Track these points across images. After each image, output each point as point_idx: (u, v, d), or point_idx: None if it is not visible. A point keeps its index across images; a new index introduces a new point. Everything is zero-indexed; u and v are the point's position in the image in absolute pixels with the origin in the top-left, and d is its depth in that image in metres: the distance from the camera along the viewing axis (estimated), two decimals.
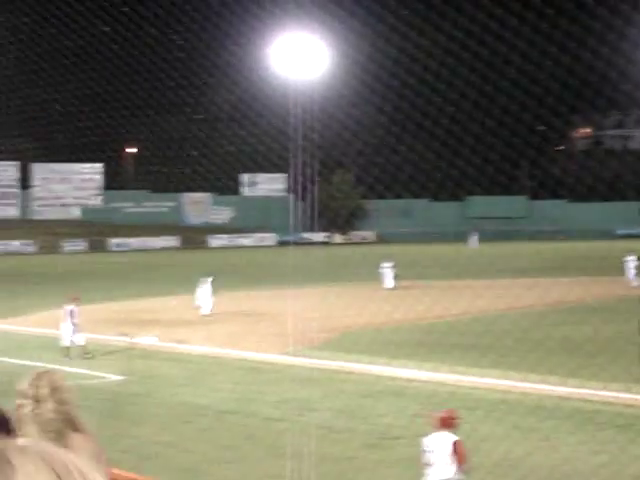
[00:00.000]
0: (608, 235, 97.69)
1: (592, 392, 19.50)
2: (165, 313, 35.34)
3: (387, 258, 46.98)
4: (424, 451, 11.77)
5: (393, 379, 19.84)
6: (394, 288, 44.24)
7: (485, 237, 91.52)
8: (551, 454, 15.42)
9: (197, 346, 27.62)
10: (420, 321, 29.72)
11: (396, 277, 45.94)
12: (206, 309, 34.88)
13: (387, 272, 46.57)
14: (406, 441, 17.01)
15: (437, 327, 28.98)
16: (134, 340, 27.56)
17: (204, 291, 35.71)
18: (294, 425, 17.21)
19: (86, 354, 25.66)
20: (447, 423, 11.80)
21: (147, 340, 28.22)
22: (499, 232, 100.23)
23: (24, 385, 3.69)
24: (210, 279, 36.04)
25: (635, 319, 30.31)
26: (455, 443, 11.50)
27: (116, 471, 6.28)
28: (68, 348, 25.82)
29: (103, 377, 23.03)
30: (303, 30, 42.70)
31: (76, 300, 26.72)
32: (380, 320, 26.96)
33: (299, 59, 63.25)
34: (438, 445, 11.63)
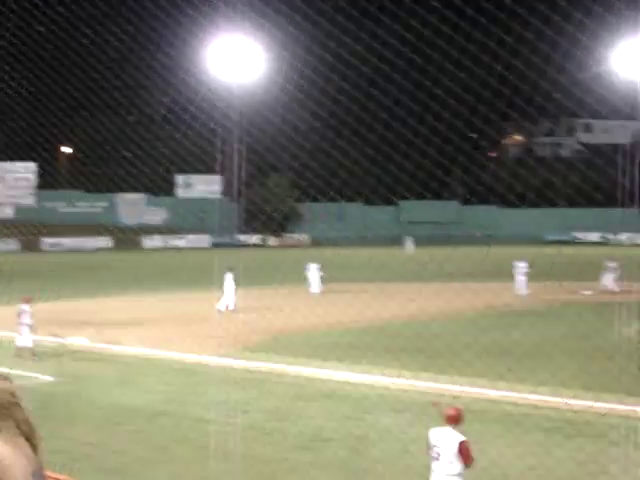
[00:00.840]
0: (538, 241, 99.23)
1: (520, 396, 19.83)
2: (97, 314, 35.10)
3: (314, 260, 46.88)
4: (430, 445, 11.90)
5: (324, 382, 19.98)
6: (320, 292, 44.25)
7: (419, 242, 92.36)
8: (479, 457, 15.59)
9: (129, 347, 27.51)
10: (351, 324, 29.89)
11: (322, 280, 45.91)
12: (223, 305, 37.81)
13: (313, 275, 46.51)
14: (337, 443, 17.17)
15: (368, 330, 29.17)
16: (65, 341, 27.37)
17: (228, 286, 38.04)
18: (226, 427, 17.25)
19: (33, 356, 25.40)
20: (454, 419, 11.91)
21: (78, 341, 28.04)
22: (432, 237, 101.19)
23: None
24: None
25: (561, 324, 30.99)
26: (461, 444, 11.65)
27: (47, 472, 6.31)
28: (21, 348, 25.63)
29: (34, 378, 22.82)
30: (239, 33, 42.75)
31: (28, 300, 26.48)
32: (312, 323, 27.12)
33: (235, 62, 63.23)
34: (443, 441, 11.79)
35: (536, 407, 19.49)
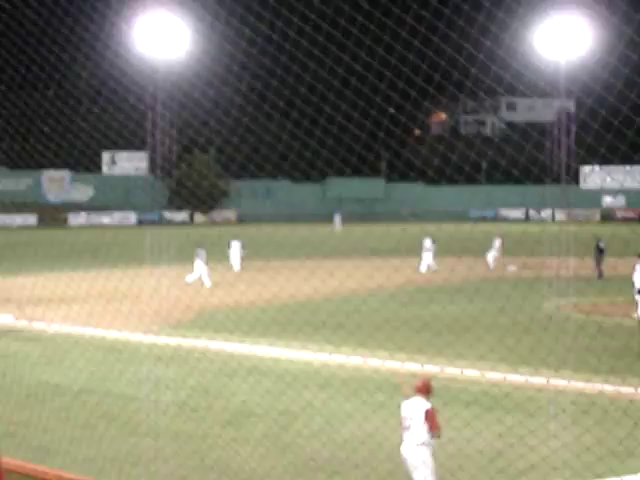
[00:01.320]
0: (462, 217, 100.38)
1: (440, 368, 20.18)
2: (22, 291, 34.70)
3: (236, 238, 47.17)
4: (402, 416, 12.43)
5: (248, 357, 20.12)
6: (242, 269, 44.51)
7: (345, 219, 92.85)
8: (400, 429, 15.94)
9: (55, 325, 27.32)
10: (274, 301, 29.96)
11: (245, 257, 46.02)
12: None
13: (235, 253, 46.62)
14: (261, 418, 17.37)
15: (291, 306, 29.26)
16: None
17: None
18: (150, 403, 17.31)
19: None
20: (422, 390, 12.45)
21: (3, 318, 27.77)
22: (358, 214, 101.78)
23: None
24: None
25: (480, 298, 31.55)
26: (427, 411, 12.16)
27: None
28: None
29: None
30: (163, 8, 42.33)
31: None
32: (235, 299, 27.23)
33: (160, 38, 62.62)
34: (413, 411, 12.30)
35: (455, 380, 19.90)
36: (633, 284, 32.36)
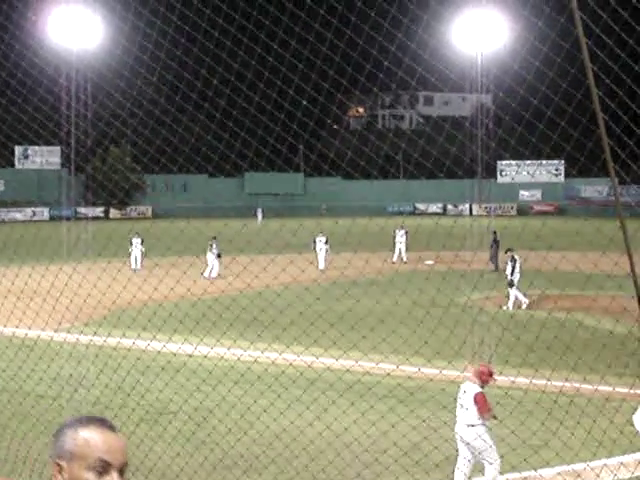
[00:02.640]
0: (380, 212, 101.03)
1: (372, 364, 20.25)
2: None
3: (136, 234, 46.66)
4: (458, 396, 13.52)
5: (164, 355, 19.87)
6: (141, 267, 43.94)
7: (265, 213, 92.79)
8: (330, 425, 15.96)
9: None
10: (187, 296, 29.68)
11: (144, 254, 45.78)
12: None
13: (136, 250, 46.33)
14: (174, 415, 17.22)
15: (204, 302, 29.02)
16: None
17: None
18: (67, 402, 17.03)
19: None
20: (478, 375, 13.41)
21: None
22: (278, 208, 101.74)
23: None
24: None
25: (409, 292, 31.75)
26: (476, 395, 13.13)
27: None
28: None
29: None
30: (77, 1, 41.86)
31: None
32: (148, 296, 26.85)
33: (71, 29, 61.72)
34: (465, 393, 13.34)
35: (370, 373, 19.98)
36: (506, 277, 33.21)
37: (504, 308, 32.45)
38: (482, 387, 13.35)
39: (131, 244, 46.73)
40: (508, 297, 33.15)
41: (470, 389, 13.30)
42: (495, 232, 45.28)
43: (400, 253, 50.60)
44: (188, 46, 15.17)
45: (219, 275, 41.78)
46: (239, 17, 13.57)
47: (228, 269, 36.91)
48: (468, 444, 13.24)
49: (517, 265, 33.08)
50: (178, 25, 14.98)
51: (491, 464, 13.22)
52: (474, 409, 13.11)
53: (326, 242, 45.99)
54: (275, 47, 14.46)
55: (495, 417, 13.72)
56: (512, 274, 33.18)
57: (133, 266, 44.54)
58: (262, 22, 13.34)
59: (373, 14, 12.74)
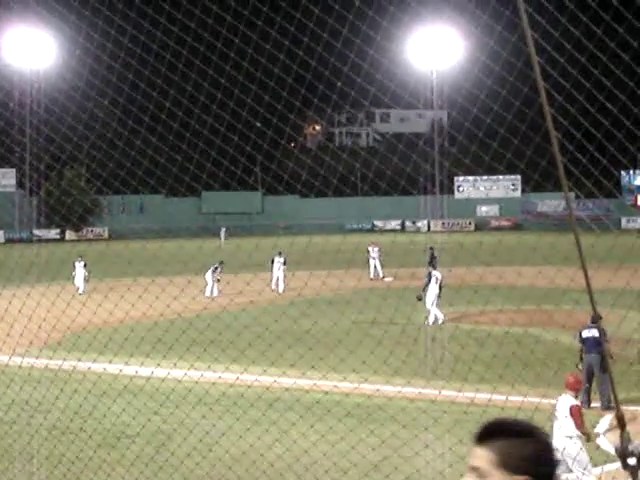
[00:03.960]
0: (339, 230, 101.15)
1: (331, 384, 20.14)
2: None
3: (79, 258, 46.05)
4: (554, 408, 13.82)
5: (118, 377, 19.66)
6: (83, 292, 42.43)
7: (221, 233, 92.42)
8: (291, 446, 15.82)
9: None
10: (143, 320, 29.40)
11: (87, 279, 44.76)
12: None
13: (79, 273, 45.41)
14: (141, 439, 17.01)
15: (160, 325, 28.72)
16: None
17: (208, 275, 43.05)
18: (27, 427, 16.79)
19: None
20: (571, 386, 13.81)
21: None
22: (235, 228, 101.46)
23: None
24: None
25: (366, 311, 31.75)
26: (571, 407, 13.46)
27: None
28: None
29: None
30: (29, 19, 41.62)
31: None
32: (103, 319, 26.59)
33: (22, 51, 61.34)
34: (561, 406, 13.63)
35: (329, 393, 19.88)
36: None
37: (425, 323, 32.68)
38: (575, 397, 13.76)
39: (74, 267, 45.59)
40: (428, 313, 33.39)
41: (566, 401, 13.65)
42: (432, 248, 45.09)
43: (376, 269, 50.88)
44: (140, 68, 15.07)
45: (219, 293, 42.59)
46: (191, 39, 13.50)
47: (184, 292, 36.73)
48: (564, 455, 13.25)
49: (432, 281, 33.37)
50: (129, 47, 14.87)
51: (585, 475, 13.38)
52: (570, 421, 13.40)
53: (284, 263, 45.45)
54: (227, 68, 14.41)
55: (588, 437, 13.93)
56: (423, 289, 33.51)
57: (80, 290, 43.20)
58: (214, 44, 13.28)
59: (326, 34, 12.73)
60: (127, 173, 20.17)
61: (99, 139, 20.65)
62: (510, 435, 3.35)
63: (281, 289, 44.66)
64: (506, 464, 3.24)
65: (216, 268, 43.53)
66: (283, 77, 14.46)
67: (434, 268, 35.62)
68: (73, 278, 44.24)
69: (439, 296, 33.26)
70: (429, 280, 33.54)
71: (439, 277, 33.62)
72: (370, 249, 51.25)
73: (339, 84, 14.33)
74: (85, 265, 45.70)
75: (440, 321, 32.79)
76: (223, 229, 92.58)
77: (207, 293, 42.70)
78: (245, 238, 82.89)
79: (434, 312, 33.11)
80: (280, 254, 45.26)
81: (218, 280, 42.97)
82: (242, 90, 15.18)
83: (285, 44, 13.25)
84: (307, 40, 12.94)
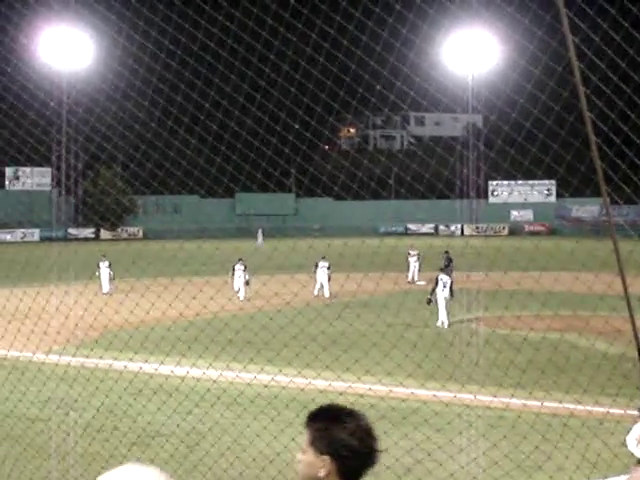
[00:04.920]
0: (372, 233, 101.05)
1: (365, 387, 20.11)
2: None
3: (103, 257, 45.81)
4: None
5: (153, 377, 19.76)
6: (109, 292, 42.25)
7: (255, 234, 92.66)
8: (294, 447, 15.82)
9: None
10: (179, 319, 29.49)
11: (112, 279, 44.52)
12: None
13: (104, 273, 45.07)
14: (167, 438, 17.08)
15: (196, 325, 28.83)
16: None
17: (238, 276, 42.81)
18: (60, 425, 16.91)
19: None
20: None
21: None
22: (269, 229, 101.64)
23: None
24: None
25: (401, 314, 31.71)
26: None
27: None
28: None
29: None
30: (65, 22, 41.93)
31: None
32: (140, 318, 26.70)
33: (62, 51, 61.73)
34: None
35: (363, 396, 19.85)
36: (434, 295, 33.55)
37: (438, 325, 32.64)
38: None
39: (98, 267, 45.34)
40: (438, 313, 33.42)
41: None
42: (447, 252, 44.56)
43: (413, 274, 50.77)
44: (180, 69, 15.16)
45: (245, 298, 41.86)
46: (231, 41, 13.57)
47: (220, 292, 36.84)
48: None
49: (440, 284, 33.36)
50: (169, 48, 14.97)
51: None
52: None
53: (328, 267, 44.19)
54: (267, 70, 14.47)
55: None
56: (431, 293, 33.45)
57: (104, 290, 43.17)
58: (254, 45, 13.34)
59: (365, 37, 12.74)
60: (165, 173, 20.29)
61: (138, 139, 20.79)
62: (325, 419, 3.93)
63: (327, 294, 43.53)
64: (315, 444, 3.83)
65: (245, 268, 42.99)
66: (322, 80, 14.49)
67: (446, 273, 35.50)
68: (97, 278, 43.90)
69: (450, 300, 33.23)
70: (436, 284, 33.58)
71: (447, 281, 33.58)
72: (410, 252, 50.98)
73: (378, 87, 14.35)
74: (110, 265, 45.38)
75: (445, 326, 32.64)
76: (260, 230, 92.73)
77: (241, 297, 42.22)
78: (280, 240, 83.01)
79: (442, 317, 33.05)
80: (324, 258, 44.18)
81: (247, 283, 42.28)
82: (281, 92, 15.23)
83: (324, 46, 13.27)
84: (347, 43, 12.97)
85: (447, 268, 39.03)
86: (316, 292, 43.93)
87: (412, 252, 50.83)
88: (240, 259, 43.64)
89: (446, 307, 33.02)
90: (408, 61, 14.41)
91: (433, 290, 33.61)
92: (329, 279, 43.56)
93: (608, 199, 7.59)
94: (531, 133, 15.61)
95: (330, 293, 43.36)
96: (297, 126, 14.92)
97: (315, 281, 44.28)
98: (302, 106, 15.00)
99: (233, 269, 43.98)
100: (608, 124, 11.88)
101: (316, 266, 44.39)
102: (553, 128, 14.66)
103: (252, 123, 16.19)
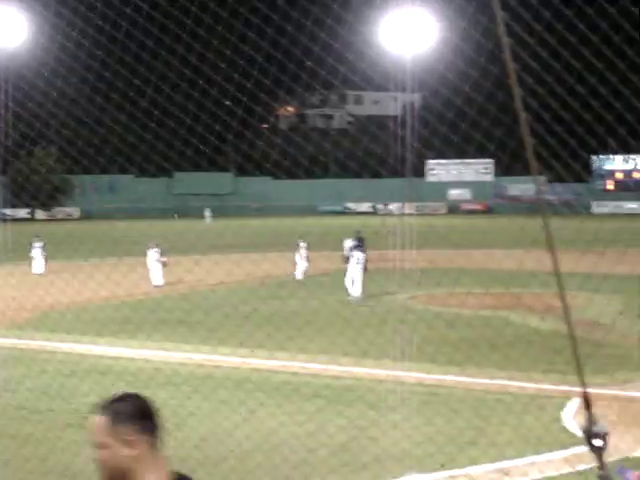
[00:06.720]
0: (311, 211, 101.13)
1: (300, 365, 20.13)
2: None
3: (37, 238, 43.73)
4: None
5: (86, 357, 19.56)
6: (44, 273, 40.27)
7: (192, 213, 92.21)
8: (259, 427, 15.79)
9: None
10: (111, 299, 29.27)
11: (45, 260, 42.58)
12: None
13: (37, 254, 43.03)
14: None
15: (128, 304, 28.66)
16: None
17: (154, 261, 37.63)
18: None
19: None
20: None
21: None
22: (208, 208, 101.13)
23: None
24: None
25: (336, 292, 31.75)
26: None
27: None
28: None
29: None
30: None
31: None
32: (71, 298, 26.46)
33: None
34: None
35: (297, 374, 19.90)
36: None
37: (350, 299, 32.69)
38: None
39: (32, 247, 43.15)
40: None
41: None
42: (359, 231, 43.71)
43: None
44: (109, 46, 14.95)
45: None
46: (161, 17, 13.41)
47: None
48: None
49: (353, 262, 33.62)
50: (99, 25, 14.75)
51: None
52: None
53: (307, 247, 41.64)
54: (197, 47, 14.33)
55: None
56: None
57: (35, 270, 41.45)
58: (184, 21, 13.20)
59: (296, 14, 12.69)
60: (96, 151, 20.04)
61: (68, 117, 20.51)
62: (118, 400, 4.21)
63: (299, 275, 40.96)
64: (115, 420, 4.02)
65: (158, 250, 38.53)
66: (253, 56, 14.40)
67: (361, 251, 35.32)
68: (31, 259, 42.67)
69: (361, 276, 33.28)
70: (348, 260, 33.76)
71: (361, 258, 33.68)
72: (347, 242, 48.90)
73: (309, 63, 14.30)
74: (44, 246, 43.46)
75: (351, 299, 32.51)
76: (208, 209, 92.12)
77: (154, 282, 36.95)
78: (219, 219, 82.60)
79: (350, 289, 33.07)
80: (301, 238, 41.80)
81: (164, 264, 37.71)
82: (212, 68, 15.10)
83: (255, 22, 13.18)
84: (278, 19, 12.88)
85: (360, 247, 38.76)
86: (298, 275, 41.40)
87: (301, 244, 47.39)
88: (156, 243, 39.64)
89: (356, 282, 33.01)
90: (339, 38, 14.37)
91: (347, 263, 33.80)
92: (307, 257, 41.64)
93: (540, 177, 7.66)
94: (463, 110, 15.68)
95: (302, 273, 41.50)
96: (228, 103, 14.81)
97: (296, 261, 41.88)
98: (233, 83, 14.90)
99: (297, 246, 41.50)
100: (538, 99, 11.95)
101: (297, 245, 42.11)
102: (485, 106, 14.75)
103: (182, 100, 16.05)
